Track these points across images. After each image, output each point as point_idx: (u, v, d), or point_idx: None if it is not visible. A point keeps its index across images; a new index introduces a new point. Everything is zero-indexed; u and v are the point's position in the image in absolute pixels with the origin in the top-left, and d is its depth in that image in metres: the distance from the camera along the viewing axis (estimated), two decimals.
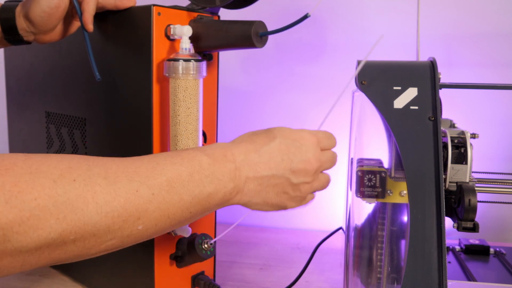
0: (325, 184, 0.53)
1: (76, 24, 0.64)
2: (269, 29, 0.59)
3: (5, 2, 0.63)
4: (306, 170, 0.48)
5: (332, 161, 0.53)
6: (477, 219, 0.57)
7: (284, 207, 0.50)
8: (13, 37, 0.61)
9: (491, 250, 0.84)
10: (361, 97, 0.63)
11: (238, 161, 0.46)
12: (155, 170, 0.40)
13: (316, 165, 0.49)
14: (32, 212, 0.32)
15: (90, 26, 0.59)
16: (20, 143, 0.92)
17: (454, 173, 0.61)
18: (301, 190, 0.49)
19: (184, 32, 0.59)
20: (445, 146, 0.60)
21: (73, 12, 0.62)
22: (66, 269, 0.80)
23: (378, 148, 0.66)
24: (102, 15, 0.64)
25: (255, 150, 0.47)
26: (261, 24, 0.59)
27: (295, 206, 0.51)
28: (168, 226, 0.42)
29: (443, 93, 0.61)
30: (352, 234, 0.68)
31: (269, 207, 0.49)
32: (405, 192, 0.62)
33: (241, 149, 0.47)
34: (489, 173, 0.73)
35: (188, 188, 0.42)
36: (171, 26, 0.60)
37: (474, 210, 0.56)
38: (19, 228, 0.32)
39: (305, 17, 0.56)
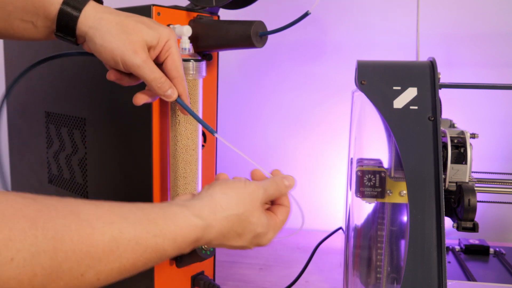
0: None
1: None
2: (269, 28, 0.59)
3: None
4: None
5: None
6: (476, 219, 0.57)
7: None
8: (64, 38, 0.51)
9: (491, 250, 0.84)
10: (361, 97, 0.63)
11: (204, 240, 0.44)
12: (112, 254, 0.36)
13: (271, 237, 0.50)
14: None
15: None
16: (20, 143, 0.92)
17: (453, 173, 0.61)
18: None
19: (183, 32, 0.59)
20: (444, 146, 0.60)
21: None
22: None
23: (378, 148, 0.66)
24: None
25: (222, 239, 0.45)
26: (260, 24, 0.59)
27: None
28: None
29: (442, 93, 0.61)
30: (351, 234, 0.68)
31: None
32: (404, 192, 0.62)
33: (212, 237, 0.44)
34: (489, 173, 0.73)
35: (133, 272, 0.39)
36: (171, 26, 0.60)
37: (473, 210, 0.56)
38: None
39: (306, 14, 0.56)
